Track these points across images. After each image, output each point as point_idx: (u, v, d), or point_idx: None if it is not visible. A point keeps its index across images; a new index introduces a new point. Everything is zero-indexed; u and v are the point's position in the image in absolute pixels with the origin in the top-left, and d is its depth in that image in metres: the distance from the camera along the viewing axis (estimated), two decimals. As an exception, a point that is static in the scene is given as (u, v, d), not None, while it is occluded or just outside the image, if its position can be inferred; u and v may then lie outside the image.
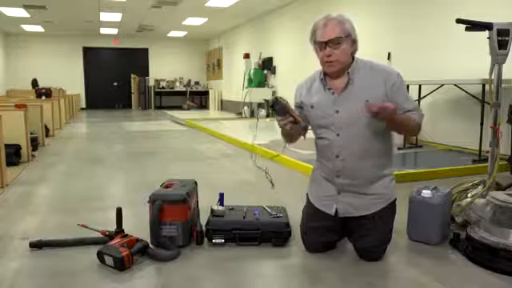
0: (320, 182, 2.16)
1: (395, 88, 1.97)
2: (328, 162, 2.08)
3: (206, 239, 2.31)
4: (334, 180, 2.08)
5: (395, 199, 2.12)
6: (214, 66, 15.89)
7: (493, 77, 2.61)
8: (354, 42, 2.00)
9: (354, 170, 2.02)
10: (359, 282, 1.89)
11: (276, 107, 1.93)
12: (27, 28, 13.28)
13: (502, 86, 2.65)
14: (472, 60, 4.72)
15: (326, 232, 2.13)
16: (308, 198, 2.24)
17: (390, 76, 1.99)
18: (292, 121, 1.94)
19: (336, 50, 1.94)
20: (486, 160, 2.83)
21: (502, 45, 2.51)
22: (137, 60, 16.14)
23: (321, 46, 1.97)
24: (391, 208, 2.10)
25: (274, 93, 10.65)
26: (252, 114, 10.95)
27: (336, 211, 2.08)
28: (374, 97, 1.95)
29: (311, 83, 2.14)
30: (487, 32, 2.56)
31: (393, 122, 1.92)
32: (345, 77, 2.01)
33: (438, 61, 5.43)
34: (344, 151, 2.02)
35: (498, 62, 2.55)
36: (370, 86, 1.98)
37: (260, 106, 10.82)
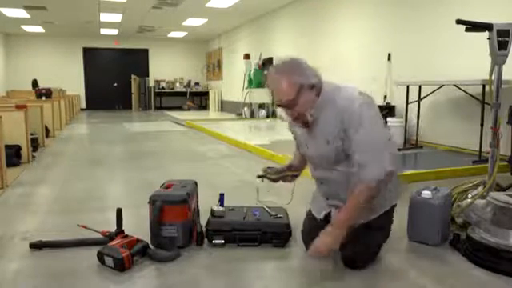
0: (317, 197, 2.19)
1: (352, 126, 1.77)
2: (317, 185, 2.13)
3: (206, 240, 2.31)
4: (325, 200, 2.10)
5: (391, 208, 2.03)
6: (214, 67, 15.89)
7: (493, 77, 2.61)
8: (313, 86, 1.81)
9: (339, 193, 1.98)
10: (359, 283, 1.89)
11: (270, 181, 2.17)
12: (27, 29, 13.29)
13: (502, 86, 2.65)
14: (472, 61, 4.72)
15: None
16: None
17: (348, 111, 1.77)
18: (289, 177, 2.17)
19: (293, 108, 1.83)
20: (486, 161, 2.84)
21: (502, 45, 2.51)
22: (137, 60, 16.14)
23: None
24: (385, 217, 2.02)
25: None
26: (252, 115, 10.95)
27: (325, 216, 2.06)
28: (333, 136, 1.84)
29: None
30: (487, 33, 2.56)
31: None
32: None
33: (438, 61, 5.43)
34: (325, 180, 2.03)
35: (498, 62, 2.55)
36: (331, 125, 1.84)
37: (261, 106, 10.82)
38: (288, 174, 2.20)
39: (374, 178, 1.75)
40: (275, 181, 2.21)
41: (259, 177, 2.23)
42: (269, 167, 2.23)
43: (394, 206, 2.05)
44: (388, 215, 2.05)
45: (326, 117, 1.85)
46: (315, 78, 1.82)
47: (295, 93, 1.79)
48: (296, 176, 2.22)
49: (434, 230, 2.26)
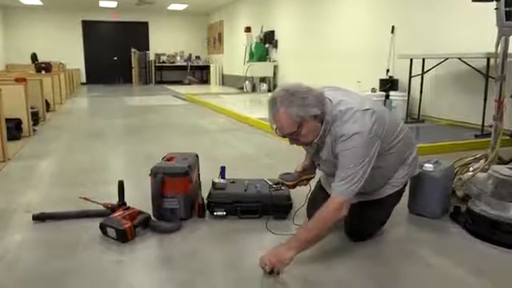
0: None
1: (340, 151, 1.75)
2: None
3: (207, 212, 2.32)
4: None
5: (401, 189, 2.04)
6: (215, 40, 15.68)
7: (499, 50, 2.56)
8: (315, 116, 1.74)
9: None
10: (359, 254, 1.91)
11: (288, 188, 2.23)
12: (25, 1, 13.05)
13: (508, 59, 2.60)
14: (476, 34, 4.64)
15: None
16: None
17: (342, 138, 1.73)
18: (305, 181, 2.19)
19: (297, 138, 1.82)
20: (488, 135, 2.82)
21: (510, 16, 2.45)
22: (137, 34, 15.90)
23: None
24: (396, 195, 2.04)
25: (275, 68, 10.54)
26: (253, 89, 10.87)
27: None
28: (332, 158, 1.84)
29: None
30: (495, 3, 2.49)
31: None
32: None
33: (442, 34, 5.33)
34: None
35: (504, 33, 2.50)
36: (330, 150, 1.84)
37: (262, 80, 10.73)
38: (304, 178, 2.20)
39: (344, 195, 1.71)
40: (293, 187, 2.21)
41: (276, 184, 2.28)
42: (284, 173, 2.22)
43: (405, 185, 2.07)
44: (399, 194, 2.05)
45: (328, 141, 1.83)
46: (316, 109, 1.73)
47: (296, 126, 1.75)
48: (311, 178, 2.22)
49: (434, 203, 2.27)
